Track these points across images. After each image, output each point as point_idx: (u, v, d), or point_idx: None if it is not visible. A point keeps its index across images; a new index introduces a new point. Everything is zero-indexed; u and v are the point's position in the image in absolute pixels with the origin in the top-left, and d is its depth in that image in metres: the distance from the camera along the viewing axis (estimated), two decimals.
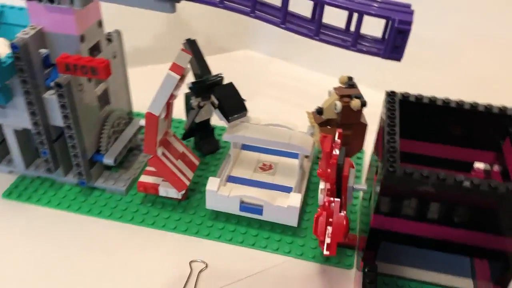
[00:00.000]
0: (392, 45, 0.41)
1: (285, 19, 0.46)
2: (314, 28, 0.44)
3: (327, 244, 0.48)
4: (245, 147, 0.67)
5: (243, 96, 0.62)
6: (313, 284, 0.54)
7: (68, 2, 0.51)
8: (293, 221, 0.57)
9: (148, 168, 0.62)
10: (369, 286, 0.45)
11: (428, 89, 0.58)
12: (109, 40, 0.62)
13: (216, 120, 0.65)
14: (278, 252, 0.57)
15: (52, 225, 0.59)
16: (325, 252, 0.48)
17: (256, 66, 0.94)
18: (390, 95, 0.53)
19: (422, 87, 0.61)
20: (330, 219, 0.49)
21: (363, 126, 0.62)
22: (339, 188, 0.51)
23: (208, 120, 0.69)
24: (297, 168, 0.62)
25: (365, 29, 0.45)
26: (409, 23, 0.40)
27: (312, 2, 0.44)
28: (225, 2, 0.48)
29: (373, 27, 0.45)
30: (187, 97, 0.67)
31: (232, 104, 0.60)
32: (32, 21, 0.55)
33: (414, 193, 0.43)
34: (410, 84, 0.63)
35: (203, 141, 0.70)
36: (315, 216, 0.50)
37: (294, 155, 0.65)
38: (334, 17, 0.46)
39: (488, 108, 0.51)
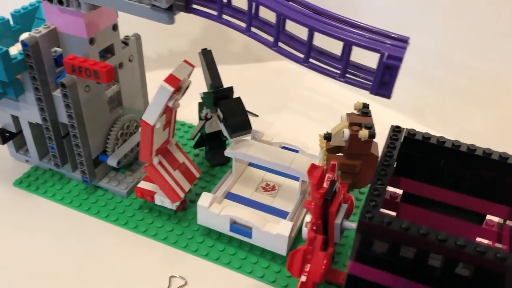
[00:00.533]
0: (380, 81, 0.37)
1: (277, 41, 0.43)
2: (304, 52, 0.41)
3: (302, 282, 0.45)
4: (251, 164, 0.65)
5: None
6: None
7: (75, 5, 0.51)
8: (282, 250, 0.54)
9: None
10: None
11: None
12: (126, 43, 0.62)
13: None
14: (263, 280, 0.54)
15: (51, 218, 0.61)
16: None
17: (290, 78, 0.91)
18: (395, 130, 0.49)
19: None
20: (309, 256, 0.46)
21: (374, 158, 0.58)
22: (325, 223, 0.48)
23: (219, 132, 0.68)
24: (303, 197, 0.60)
25: (366, 59, 0.41)
26: (399, 58, 0.36)
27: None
28: (223, 16, 0.47)
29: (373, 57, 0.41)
30: (200, 106, 0.66)
31: (237, 120, 0.58)
32: (47, 20, 0.56)
33: (392, 244, 0.39)
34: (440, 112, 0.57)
35: (212, 152, 0.69)
36: (292, 252, 0.47)
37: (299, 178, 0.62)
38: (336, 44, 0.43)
39: (503, 157, 0.46)
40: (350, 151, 0.57)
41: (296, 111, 0.82)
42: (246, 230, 0.55)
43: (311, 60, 0.41)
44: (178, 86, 0.52)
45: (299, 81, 0.90)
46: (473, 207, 0.50)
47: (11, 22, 0.63)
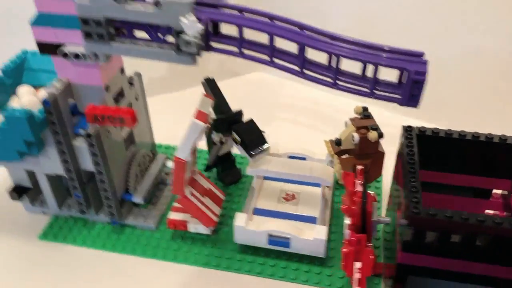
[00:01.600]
0: (409, 94, 0.43)
1: (303, 67, 0.48)
2: (332, 76, 0.46)
3: (358, 279, 0.51)
4: (267, 177, 0.69)
5: (260, 124, 0.63)
6: None
7: (93, 58, 0.53)
8: (320, 252, 0.59)
9: (176, 205, 0.65)
10: None
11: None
12: (131, 83, 0.64)
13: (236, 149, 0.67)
14: (308, 283, 0.59)
15: (88, 265, 0.62)
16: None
17: (269, 88, 0.95)
18: (408, 130, 0.55)
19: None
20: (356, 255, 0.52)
21: (381, 155, 0.64)
22: (363, 222, 0.53)
23: (229, 152, 0.71)
24: (320, 198, 0.65)
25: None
26: (424, 73, 0.42)
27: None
28: (244, 52, 0.51)
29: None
30: (208, 132, 0.69)
31: (254, 140, 0.62)
32: (59, 74, 0.57)
33: (438, 231, 0.45)
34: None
35: (225, 172, 0.72)
36: (343, 252, 0.52)
37: (315, 183, 0.67)
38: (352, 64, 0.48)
39: (503, 139, 0.53)
40: (360, 152, 0.63)
41: (286, 119, 0.87)
42: (284, 241, 0.60)
43: (339, 82, 0.46)
44: (206, 120, 0.55)
45: (279, 91, 0.95)
46: (480, 185, 0.57)
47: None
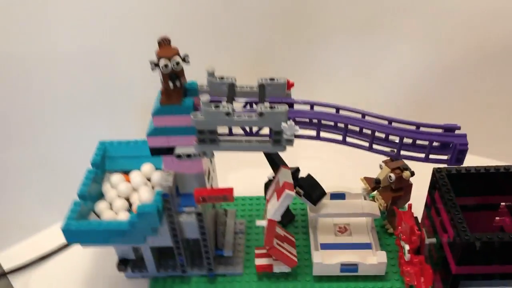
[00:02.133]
0: (456, 159, 0.61)
1: (372, 144, 0.65)
2: (397, 149, 0.64)
3: None
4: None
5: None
6: None
7: (202, 155, 0.67)
8: (382, 271, 0.77)
9: (258, 251, 0.80)
10: None
11: None
12: (210, 160, 0.78)
13: None
14: None
15: None
16: None
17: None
18: (438, 171, 0.73)
19: None
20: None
21: (410, 186, 0.82)
22: (419, 246, 0.71)
23: None
24: (367, 227, 0.82)
25: None
26: (466, 144, 0.60)
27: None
28: (320, 136, 0.67)
29: None
30: (266, 187, 0.85)
31: (317, 193, 0.78)
32: (166, 167, 0.70)
33: (483, 249, 0.64)
34: None
35: (283, 214, 0.88)
36: (411, 271, 0.70)
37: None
38: None
39: (507, 169, 0.73)
40: (396, 187, 0.81)
41: (313, 163, 1.01)
42: (353, 267, 0.77)
43: (402, 152, 0.64)
44: (294, 189, 0.70)
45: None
46: (491, 201, 0.77)
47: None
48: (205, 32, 0.98)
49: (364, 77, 1.04)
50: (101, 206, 0.75)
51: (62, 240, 0.87)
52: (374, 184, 0.82)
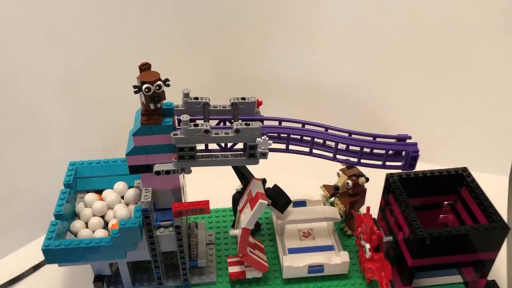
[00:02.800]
0: (409, 164, 0.70)
1: (335, 155, 0.72)
2: (358, 157, 0.71)
3: (385, 283, 0.76)
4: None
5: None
6: None
7: (180, 171, 0.71)
8: (345, 270, 0.84)
9: (230, 260, 0.85)
10: None
11: None
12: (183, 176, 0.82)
13: None
14: None
15: None
16: None
17: None
18: (392, 176, 0.82)
19: None
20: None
21: (364, 191, 0.91)
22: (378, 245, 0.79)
23: None
24: (329, 231, 0.89)
25: None
26: (417, 150, 0.69)
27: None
28: (290, 148, 0.73)
29: None
30: (234, 199, 0.90)
31: (284, 201, 0.84)
32: (144, 185, 0.73)
33: (433, 242, 0.73)
34: None
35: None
36: (373, 267, 0.77)
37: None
38: None
39: (448, 171, 0.83)
40: (353, 192, 0.89)
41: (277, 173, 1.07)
42: (319, 268, 0.83)
43: (362, 161, 0.72)
44: (266, 198, 0.76)
45: None
46: (435, 201, 0.87)
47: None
48: (164, 51, 1.03)
49: (316, 91, 1.12)
50: (77, 225, 0.77)
51: (31, 262, 0.88)
52: (333, 190, 0.90)
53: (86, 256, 0.72)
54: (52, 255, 0.70)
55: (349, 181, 0.87)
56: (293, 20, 1.08)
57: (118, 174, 0.84)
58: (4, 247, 0.89)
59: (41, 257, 0.87)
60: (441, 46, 1.01)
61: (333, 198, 0.93)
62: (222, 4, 1.05)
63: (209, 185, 1.01)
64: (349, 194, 0.90)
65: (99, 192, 0.83)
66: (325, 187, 0.93)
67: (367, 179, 0.87)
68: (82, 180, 0.83)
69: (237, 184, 0.88)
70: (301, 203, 0.92)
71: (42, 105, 0.91)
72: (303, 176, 1.05)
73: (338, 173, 0.91)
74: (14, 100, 0.87)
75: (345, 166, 0.90)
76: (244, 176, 0.85)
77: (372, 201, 0.89)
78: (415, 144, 0.70)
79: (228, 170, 0.84)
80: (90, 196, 0.80)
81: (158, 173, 0.71)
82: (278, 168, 0.97)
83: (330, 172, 0.93)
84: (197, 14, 1.04)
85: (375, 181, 0.87)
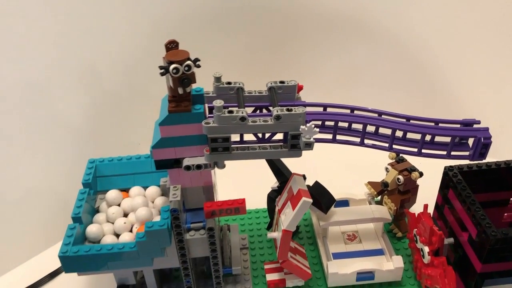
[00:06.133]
0: (479, 153, 0.60)
1: (392, 144, 0.62)
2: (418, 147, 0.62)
3: None
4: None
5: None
6: None
7: (213, 166, 0.62)
8: (398, 277, 0.74)
9: (267, 267, 0.76)
10: None
11: None
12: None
13: None
14: None
15: None
16: None
17: None
18: (451, 169, 0.72)
19: None
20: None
21: (416, 188, 0.80)
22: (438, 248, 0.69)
23: None
24: (380, 233, 0.80)
25: None
26: (490, 138, 0.59)
27: None
28: (337, 138, 0.64)
29: None
30: (270, 198, 0.81)
31: (327, 200, 0.75)
32: (173, 182, 0.65)
33: (507, 245, 0.62)
34: None
35: None
36: (434, 274, 0.67)
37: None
38: None
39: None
40: (404, 189, 0.79)
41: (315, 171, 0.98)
42: (369, 275, 0.74)
43: (423, 151, 0.62)
44: (309, 196, 0.67)
45: None
46: (500, 197, 0.76)
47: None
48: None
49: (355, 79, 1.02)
50: (93, 230, 0.68)
51: (47, 270, 0.80)
52: (381, 187, 0.80)
53: (108, 264, 0.63)
54: (70, 262, 0.62)
55: (400, 177, 0.78)
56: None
57: (142, 172, 0.76)
58: (20, 254, 0.82)
59: (58, 264, 0.80)
60: None
61: (379, 197, 0.83)
62: None
63: (241, 184, 0.92)
64: (399, 191, 0.80)
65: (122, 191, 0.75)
66: (371, 184, 0.83)
67: (421, 174, 0.77)
68: (102, 179, 0.75)
69: (272, 182, 0.79)
70: (344, 203, 0.83)
71: (61, 100, 0.83)
72: (345, 172, 0.96)
73: (386, 168, 0.81)
74: (31, 96, 0.80)
75: (394, 160, 0.81)
76: (281, 173, 0.76)
77: (425, 199, 0.79)
78: (486, 130, 0.60)
79: (262, 167, 0.75)
80: (114, 193, 0.72)
81: (188, 168, 0.62)
82: (316, 164, 0.88)
83: (375, 167, 0.83)
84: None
85: (428, 176, 0.77)
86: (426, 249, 0.69)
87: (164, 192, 0.73)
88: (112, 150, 0.89)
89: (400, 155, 0.81)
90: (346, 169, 0.97)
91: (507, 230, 0.62)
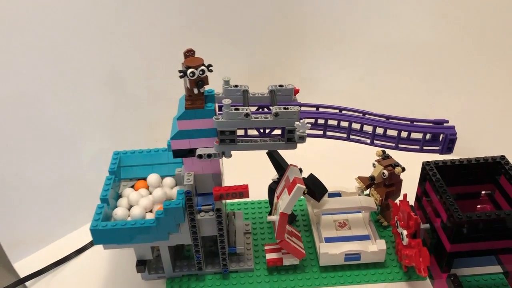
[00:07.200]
0: (447, 147, 0.70)
1: (373, 140, 0.73)
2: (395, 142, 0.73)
3: (423, 269, 0.77)
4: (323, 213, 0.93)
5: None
6: None
7: (221, 155, 0.74)
8: (382, 258, 0.85)
9: (267, 247, 0.86)
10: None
11: None
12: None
13: None
14: (377, 282, 0.84)
15: None
16: (424, 274, 0.76)
17: None
18: (428, 164, 0.82)
19: None
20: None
21: (400, 181, 0.91)
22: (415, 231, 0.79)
23: None
24: (366, 221, 0.90)
25: None
26: (455, 134, 0.70)
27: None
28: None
29: None
30: (270, 189, 0.92)
31: (320, 190, 0.85)
32: (187, 170, 0.76)
33: (472, 226, 0.73)
34: None
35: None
36: (411, 253, 0.78)
37: (355, 211, 0.92)
38: None
39: (485, 159, 0.83)
40: (389, 183, 0.90)
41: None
42: (356, 256, 0.84)
43: (400, 145, 0.73)
44: (304, 182, 0.78)
45: None
46: (472, 190, 0.86)
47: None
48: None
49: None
50: (123, 210, 0.79)
51: (75, 248, 0.92)
52: (369, 181, 0.91)
53: (130, 238, 0.75)
54: (100, 235, 0.74)
55: (385, 171, 0.88)
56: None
57: (159, 163, 0.87)
58: (52, 232, 0.93)
59: (83, 243, 0.91)
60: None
61: (368, 190, 0.94)
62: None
63: (244, 179, 1.03)
64: (385, 185, 0.90)
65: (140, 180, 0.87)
66: (360, 178, 0.94)
67: (403, 169, 0.88)
68: (125, 168, 0.87)
69: (270, 176, 0.90)
70: (336, 195, 0.94)
71: (89, 100, 0.95)
72: (337, 168, 1.06)
73: (373, 164, 0.92)
74: (64, 97, 0.92)
75: (380, 157, 0.91)
76: (281, 166, 0.87)
77: (407, 192, 0.89)
78: (452, 128, 0.71)
79: (263, 164, 0.87)
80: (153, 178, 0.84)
81: (200, 156, 0.73)
82: (312, 161, 0.98)
83: (364, 164, 0.94)
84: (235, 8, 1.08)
85: (410, 172, 0.88)
86: (405, 232, 0.80)
87: (178, 182, 0.84)
88: (132, 145, 1.01)
89: (386, 152, 0.92)
90: (339, 166, 1.08)
91: (471, 214, 0.72)
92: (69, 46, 0.90)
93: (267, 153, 0.90)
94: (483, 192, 0.88)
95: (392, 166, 0.89)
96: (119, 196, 0.84)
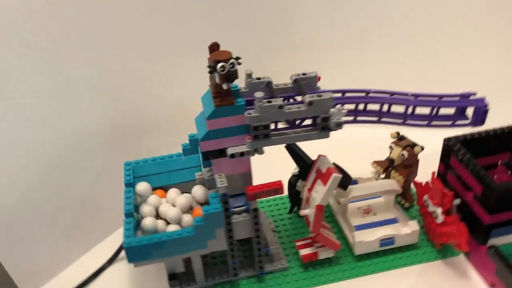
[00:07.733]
0: (480, 120, 0.70)
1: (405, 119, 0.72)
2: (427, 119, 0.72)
3: (465, 243, 0.76)
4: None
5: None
6: (451, 269, 0.82)
7: (254, 152, 0.70)
8: (415, 239, 0.84)
9: (299, 243, 0.84)
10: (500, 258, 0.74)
11: None
12: None
13: None
14: (414, 263, 0.83)
15: None
16: (466, 249, 0.76)
17: None
18: (450, 140, 0.82)
19: None
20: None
21: (417, 161, 0.91)
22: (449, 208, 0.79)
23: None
24: (390, 204, 0.89)
25: None
26: (486, 106, 0.70)
27: None
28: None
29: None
30: (290, 183, 0.89)
31: (345, 177, 0.83)
32: (216, 171, 0.72)
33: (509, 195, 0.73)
34: None
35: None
36: (450, 230, 0.77)
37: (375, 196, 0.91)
38: None
39: (502, 129, 0.84)
40: (408, 163, 0.89)
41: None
42: (390, 240, 0.83)
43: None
44: (338, 172, 0.75)
45: None
46: (490, 161, 0.87)
47: None
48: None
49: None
50: (151, 220, 0.74)
51: (90, 271, 0.85)
52: (388, 164, 0.90)
53: (168, 250, 0.70)
54: (135, 252, 0.68)
55: (405, 152, 0.88)
56: None
57: (176, 169, 0.82)
58: (62, 259, 0.86)
59: (98, 265, 0.85)
60: None
61: (384, 174, 0.93)
62: None
63: (260, 176, 1.00)
64: (404, 166, 0.90)
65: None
66: (377, 162, 0.93)
67: (422, 148, 0.88)
68: (140, 179, 0.81)
69: (288, 173, 0.87)
70: (353, 182, 0.92)
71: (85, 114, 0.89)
72: (346, 156, 1.05)
73: (390, 146, 0.91)
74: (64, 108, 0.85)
75: (396, 138, 0.91)
76: (302, 159, 0.85)
77: (424, 171, 0.89)
78: (482, 99, 0.71)
79: (279, 159, 0.83)
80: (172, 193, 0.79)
81: (233, 156, 0.69)
82: (322, 150, 0.97)
83: (376, 149, 0.93)
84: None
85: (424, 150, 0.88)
86: (439, 210, 0.79)
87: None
88: (133, 155, 0.95)
89: (400, 134, 0.91)
90: (346, 154, 1.06)
91: (508, 183, 0.73)
92: (64, 60, 0.84)
93: (285, 146, 0.88)
94: (499, 162, 0.89)
95: (411, 146, 0.88)
96: (136, 208, 0.78)
